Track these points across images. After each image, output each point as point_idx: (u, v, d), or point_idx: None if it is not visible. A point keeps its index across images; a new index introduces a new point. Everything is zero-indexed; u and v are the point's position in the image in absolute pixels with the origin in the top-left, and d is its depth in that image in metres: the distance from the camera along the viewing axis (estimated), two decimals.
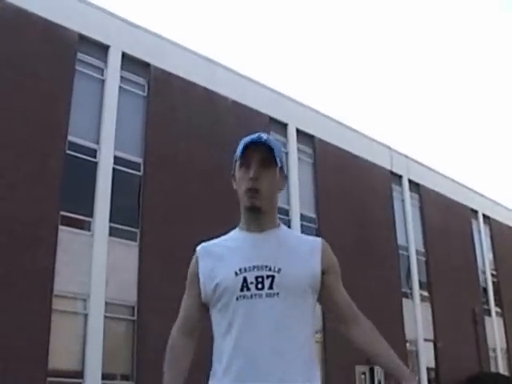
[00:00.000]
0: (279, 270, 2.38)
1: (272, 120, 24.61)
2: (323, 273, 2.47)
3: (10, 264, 15.90)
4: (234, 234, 2.60)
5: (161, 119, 20.53)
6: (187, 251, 14.15)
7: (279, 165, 2.48)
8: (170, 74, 21.17)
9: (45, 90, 17.93)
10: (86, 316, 17.33)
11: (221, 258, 2.49)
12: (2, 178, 16.44)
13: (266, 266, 2.39)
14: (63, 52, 18.71)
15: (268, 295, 2.35)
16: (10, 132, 16.92)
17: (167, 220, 19.42)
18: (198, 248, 2.64)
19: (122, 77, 20.09)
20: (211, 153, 21.27)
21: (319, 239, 2.57)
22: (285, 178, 2.60)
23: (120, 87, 19.94)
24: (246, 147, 2.45)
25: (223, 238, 2.62)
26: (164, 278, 18.41)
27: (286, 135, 25.21)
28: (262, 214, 2.50)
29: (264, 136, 2.47)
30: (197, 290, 2.52)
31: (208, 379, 2.48)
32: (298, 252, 2.47)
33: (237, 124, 22.38)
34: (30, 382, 15.19)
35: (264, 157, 2.45)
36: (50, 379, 15.89)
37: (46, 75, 18.07)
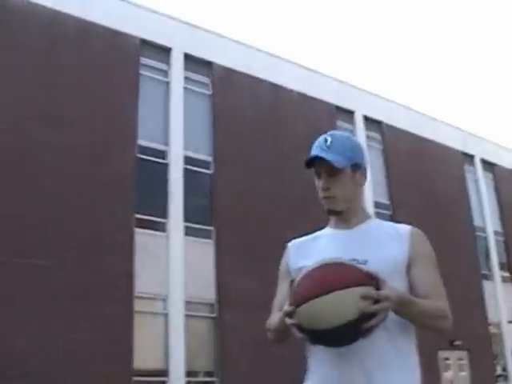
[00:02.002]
0: (365, 262, 2.36)
1: (338, 109, 24.43)
2: (410, 261, 2.42)
3: (91, 270, 16.29)
4: (324, 231, 2.60)
5: (227, 116, 20.64)
6: (261, 246, 14.37)
7: (347, 167, 2.45)
8: (233, 70, 21.26)
9: (112, 96, 18.29)
10: (166, 315, 17.58)
11: (309, 254, 2.49)
12: (76, 186, 16.83)
13: (353, 259, 2.36)
14: (127, 58, 19.05)
15: None
16: (81, 141, 17.32)
17: (240, 216, 19.51)
18: (289, 244, 2.65)
19: (185, 77, 20.30)
20: (279, 146, 21.27)
21: (408, 227, 2.51)
22: (363, 170, 2.55)
23: (185, 88, 20.16)
24: (311, 160, 2.46)
25: (313, 235, 2.62)
26: (241, 273, 18.54)
27: (353, 123, 24.99)
28: (344, 214, 2.50)
29: (326, 143, 2.47)
30: (287, 285, 2.51)
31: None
32: (385, 242, 2.44)
33: (304, 116, 22.32)
34: (117, 381, 15.54)
35: (330, 166, 2.43)
36: (135, 378, 16.25)
37: (112, 82, 18.43)
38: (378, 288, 2.15)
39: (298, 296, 2.18)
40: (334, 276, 2.15)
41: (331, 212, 2.49)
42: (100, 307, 16.08)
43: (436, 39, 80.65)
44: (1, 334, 14.67)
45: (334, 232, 2.54)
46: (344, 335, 2.14)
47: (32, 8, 17.71)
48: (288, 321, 2.20)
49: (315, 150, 2.47)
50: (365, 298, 2.10)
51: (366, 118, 25.47)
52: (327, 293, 2.11)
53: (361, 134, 24.96)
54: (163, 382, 17.03)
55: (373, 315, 2.10)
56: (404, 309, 2.22)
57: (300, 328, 2.18)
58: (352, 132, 24.54)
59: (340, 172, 2.44)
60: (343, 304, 2.10)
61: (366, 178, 2.57)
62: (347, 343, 2.19)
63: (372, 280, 2.16)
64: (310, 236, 2.62)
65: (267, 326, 2.51)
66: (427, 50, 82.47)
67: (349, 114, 25.02)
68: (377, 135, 25.87)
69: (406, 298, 2.22)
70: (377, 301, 2.11)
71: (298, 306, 2.17)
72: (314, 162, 2.47)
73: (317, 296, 2.12)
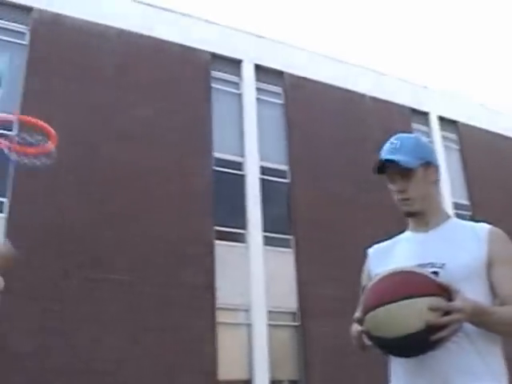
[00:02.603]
0: (443, 265, 2.31)
1: (412, 111, 24.11)
2: (490, 262, 2.35)
3: (173, 283, 16.52)
4: (404, 234, 2.59)
5: (301, 124, 20.64)
6: (340, 253, 14.22)
7: (418, 166, 2.45)
8: (304, 78, 21.26)
9: (186, 111, 18.57)
10: (249, 326, 17.65)
11: (388, 260, 2.48)
12: (154, 201, 17.13)
13: (430, 263, 2.32)
14: (198, 73, 19.34)
15: None
16: (157, 156, 17.64)
17: (318, 224, 19.43)
18: (369, 250, 2.65)
19: (257, 88, 20.43)
20: (354, 152, 21.13)
21: (487, 226, 2.46)
22: (435, 167, 2.54)
23: (257, 98, 20.29)
24: (380, 166, 2.48)
25: (393, 239, 2.61)
26: (321, 281, 18.46)
27: (428, 124, 24.61)
28: (422, 215, 2.48)
29: (393, 146, 2.50)
30: None
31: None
32: (463, 243, 2.39)
33: (378, 120, 22.12)
34: None
35: (400, 169, 2.44)
36: None
37: (185, 97, 18.73)
38: (450, 299, 2.10)
39: (366, 303, 2.20)
40: (400, 285, 2.14)
41: (409, 214, 2.48)
42: (183, 319, 16.27)
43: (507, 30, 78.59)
44: (87, 346, 15.03)
45: (412, 235, 2.52)
46: (407, 346, 2.12)
47: (103, 29, 18.21)
48: (358, 327, 2.23)
49: (383, 155, 2.50)
50: (433, 309, 2.06)
51: (441, 119, 25.03)
52: (394, 301, 2.10)
53: (436, 134, 24.54)
54: None
55: (442, 327, 2.06)
56: (479, 319, 2.16)
57: (368, 335, 2.18)
58: (427, 134, 24.16)
59: (412, 172, 2.44)
60: (407, 315, 2.08)
61: (438, 175, 2.56)
62: (415, 355, 2.17)
63: (443, 291, 2.12)
64: (390, 240, 2.61)
65: (350, 333, 2.49)
66: (498, 46, 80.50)
67: (423, 115, 24.65)
68: (453, 135, 25.38)
69: (480, 309, 2.16)
70: (448, 312, 2.06)
71: (366, 312, 2.17)
72: (384, 167, 2.49)
73: (384, 303, 2.11)
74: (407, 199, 2.45)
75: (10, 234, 15.47)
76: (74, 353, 14.92)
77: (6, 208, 15.92)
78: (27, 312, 14.35)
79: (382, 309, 2.11)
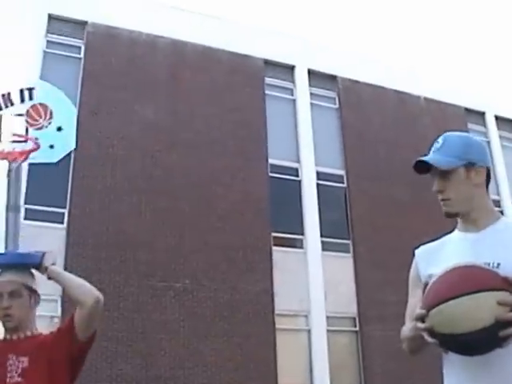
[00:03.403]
0: (498, 265, 2.24)
1: (468, 111, 23.74)
2: None
3: (232, 289, 16.60)
4: (452, 234, 2.53)
5: (356, 128, 20.53)
6: (398, 257, 13.98)
7: (457, 166, 2.38)
8: (357, 82, 21.15)
9: (240, 118, 18.66)
10: (309, 332, 17.59)
11: (438, 260, 2.42)
12: (211, 208, 17.25)
13: (485, 263, 2.24)
14: (252, 80, 19.41)
15: None
16: (213, 164, 17.76)
17: (376, 228, 19.27)
18: (417, 251, 2.60)
19: (311, 93, 20.41)
20: (410, 154, 20.82)
21: None
22: (479, 168, 2.43)
23: (311, 103, 20.26)
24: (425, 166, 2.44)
25: (441, 240, 2.56)
26: (380, 285, 18.30)
27: (484, 124, 24.20)
28: (465, 216, 2.43)
29: (437, 145, 2.44)
30: (420, 291, 2.41)
31: None
32: None
33: (433, 121, 21.86)
34: None
35: (440, 169, 2.40)
36: None
37: (239, 105, 18.81)
38: None
39: (429, 299, 2.15)
40: (468, 278, 2.09)
41: (448, 215, 2.43)
42: (242, 326, 16.32)
43: None
44: (149, 353, 15.19)
45: (462, 235, 2.46)
46: (477, 342, 2.06)
47: (154, 40, 18.44)
48: (420, 325, 2.15)
49: (418, 159, 2.45)
50: (502, 303, 2.02)
51: (498, 118, 24.60)
52: (461, 295, 2.05)
53: (493, 134, 24.11)
54: None
55: (509, 323, 2.01)
56: None
57: (431, 332, 2.12)
58: (484, 134, 23.76)
59: (451, 173, 2.39)
60: (478, 308, 2.03)
61: (484, 176, 2.46)
62: (481, 352, 2.11)
63: (510, 286, 2.07)
64: (438, 241, 2.56)
65: (401, 336, 2.47)
66: None
67: (479, 115, 24.25)
68: (510, 134, 24.93)
69: None
70: None
71: (429, 309, 2.12)
72: (427, 167, 2.44)
73: (450, 298, 2.07)
74: (446, 199, 2.40)
75: (71, 244, 15.79)
76: (136, 360, 15.11)
77: (65, 219, 16.21)
78: None
79: (449, 303, 2.06)
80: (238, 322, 16.35)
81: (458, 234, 2.49)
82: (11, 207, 3.28)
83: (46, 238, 15.90)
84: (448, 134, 2.48)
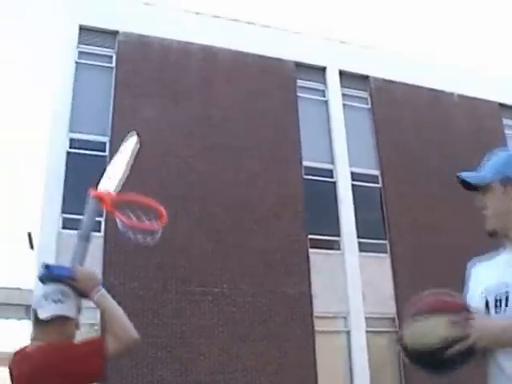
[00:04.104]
0: None
1: (502, 106, 23.42)
2: None
3: (270, 293, 16.60)
4: (499, 250, 2.45)
5: (389, 127, 20.39)
6: (438, 255, 13.87)
7: (491, 181, 2.34)
8: (390, 81, 21.01)
9: (273, 122, 18.69)
10: (348, 333, 17.52)
11: (478, 277, 2.42)
12: (249, 213, 17.29)
13: (504, 283, 2.24)
14: (284, 83, 19.43)
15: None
16: (249, 167, 17.82)
17: (413, 227, 19.11)
18: (468, 265, 2.58)
19: (343, 94, 20.34)
20: (444, 151, 20.71)
21: None
22: None
23: (343, 104, 20.20)
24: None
25: (491, 255, 2.48)
26: (419, 284, 17.99)
27: None
28: (505, 233, 2.36)
29: (484, 163, 2.41)
30: None
31: None
32: None
33: (467, 117, 21.68)
34: None
35: (475, 187, 2.39)
36: None
37: (271, 108, 18.84)
38: (468, 320, 2.15)
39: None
40: (425, 303, 2.37)
41: (488, 233, 2.38)
42: (281, 329, 16.31)
43: None
44: (188, 358, 15.26)
45: (504, 253, 2.39)
46: (426, 360, 2.33)
47: (185, 46, 18.58)
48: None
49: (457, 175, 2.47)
50: (450, 324, 2.15)
51: None
52: (417, 315, 2.33)
53: None
54: None
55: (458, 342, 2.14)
56: (501, 341, 2.14)
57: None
58: None
59: (488, 188, 2.35)
60: (427, 329, 2.24)
61: None
62: (434, 371, 2.38)
63: (465, 311, 2.21)
64: (486, 255, 2.50)
65: None
66: None
67: None
68: None
69: (498, 330, 2.13)
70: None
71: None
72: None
73: (412, 318, 2.36)
74: (485, 216, 2.36)
75: (108, 251, 15.94)
76: (176, 365, 15.19)
77: (102, 227, 16.36)
78: None
79: (411, 322, 2.37)
80: (276, 325, 16.34)
81: (502, 250, 2.42)
82: (83, 237, 3.48)
83: None
84: (497, 150, 2.44)
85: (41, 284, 3.20)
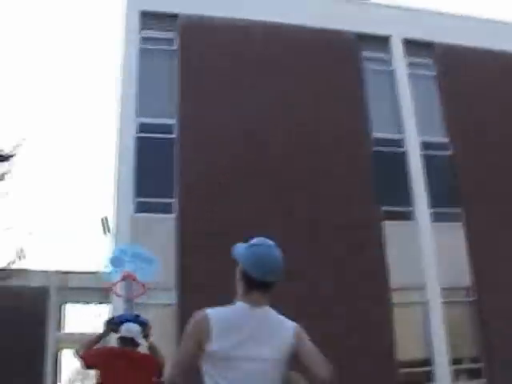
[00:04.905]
0: None
1: None
2: None
3: (347, 268, 16.52)
4: None
5: (456, 94, 19.83)
6: (511, 225, 13.29)
7: None
8: (456, 46, 20.32)
9: (339, 94, 18.55)
10: (424, 304, 17.33)
11: None
12: (318, 187, 17.23)
13: None
14: (348, 55, 19.22)
15: None
16: (316, 142, 17.76)
17: (488, 194, 18.60)
18: None
19: (409, 63, 19.97)
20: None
21: None
22: None
23: (409, 73, 19.82)
24: None
25: None
26: (495, 253, 17.74)
27: None
28: None
29: None
30: None
31: None
32: None
33: None
34: (381, 376, 15.56)
35: None
36: (400, 371, 16.22)
37: (338, 81, 18.70)
38: None
39: None
40: None
41: None
42: (359, 303, 16.23)
43: None
44: None
45: None
46: None
47: (247, 24, 18.59)
48: None
49: None
50: None
51: None
52: None
53: None
54: (428, 371, 16.79)
55: None
56: None
57: None
58: None
59: None
60: None
61: None
62: None
63: None
64: None
65: None
66: None
67: None
68: None
69: None
70: None
71: None
72: None
73: None
74: None
75: (182, 233, 16.14)
76: None
77: (175, 208, 16.58)
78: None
79: None
80: (354, 300, 16.25)
81: None
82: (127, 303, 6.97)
83: (158, 229, 16.36)
84: None
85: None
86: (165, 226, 16.50)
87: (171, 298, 15.81)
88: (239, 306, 3.04)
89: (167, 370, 3.39)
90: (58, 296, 34.92)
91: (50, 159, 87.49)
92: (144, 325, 6.44)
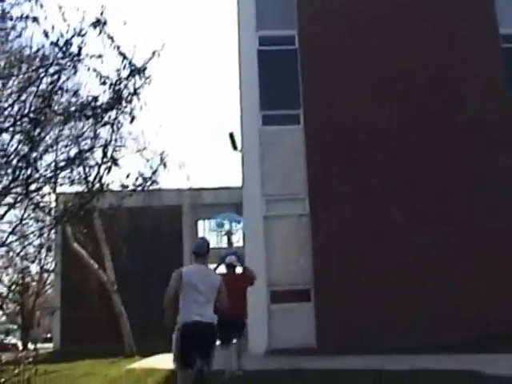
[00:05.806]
0: None
1: None
2: None
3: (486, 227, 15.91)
4: None
5: None
6: None
7: None
8: None
9: None
10: None
11: None
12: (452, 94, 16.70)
13: None
14: None
15: None
16: (443, 43, 17.06)
17: None
18: None
19: None
20: None
21: None
22: None
23: None
24: None
25: None
26: None
27: None
28: None
29: None
30: None
31: None
32: None
33: None
34: None
35: None
36: None
37: None
38: None
39: None
40: None
41: None
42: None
43: None
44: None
45: None
46: None
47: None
48: None
49: None
50: None
51: None
52: None
53: None
54: None
55: None
56: None
57: None
58: None
59: None
60: None
61: None
62: None
63: None
64: None
65: None
66: None
67: None
68: None
69: None
70: None
71: None
72: None
73: None
74: None
75: (309, 144, 16.22)
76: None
77: (301, 119, 16.64)
78: None
79: None
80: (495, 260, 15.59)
81: None
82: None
83: (285, 141, 16.55)
84: None
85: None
86: (292, 137, 16.61)
87: (304, 208, 16.05)
88: (194, 265, 7.32)
89: (167, 291, 6.84)
90: (191, 213, 36.28)
91: (177, 75, 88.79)
92: (238, 257, 11.44)
